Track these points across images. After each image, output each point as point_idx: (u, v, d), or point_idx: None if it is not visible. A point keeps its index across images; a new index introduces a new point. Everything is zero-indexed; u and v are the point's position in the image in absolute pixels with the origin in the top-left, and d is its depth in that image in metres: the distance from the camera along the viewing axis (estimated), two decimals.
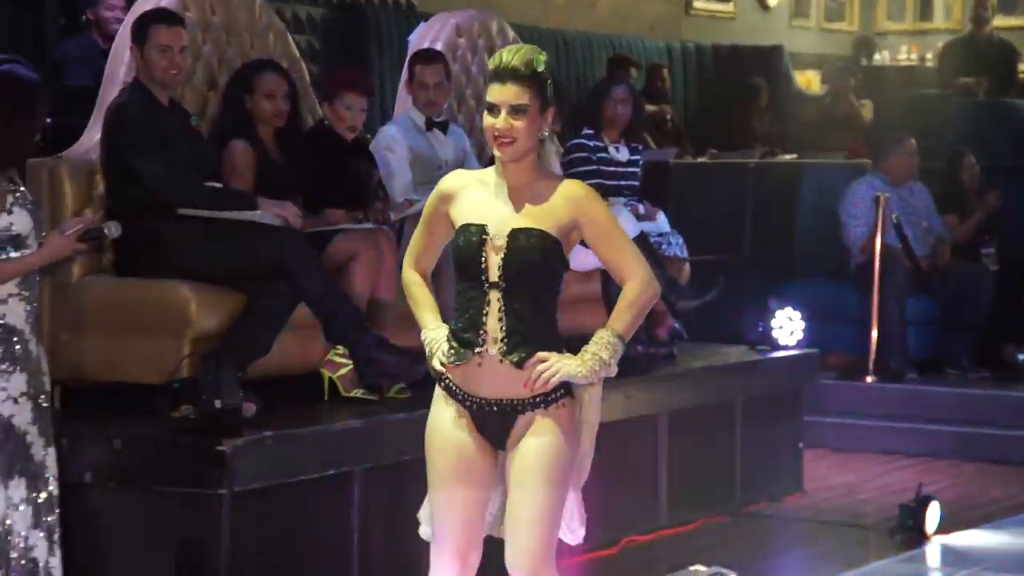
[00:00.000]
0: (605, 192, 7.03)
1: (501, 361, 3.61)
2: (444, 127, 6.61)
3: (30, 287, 4.48)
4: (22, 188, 4.51)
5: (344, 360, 5.52)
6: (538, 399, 3.64)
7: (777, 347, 7.48)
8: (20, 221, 4.43)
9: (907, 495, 6.66)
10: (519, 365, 3.61)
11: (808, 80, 14.28)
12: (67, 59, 7.23)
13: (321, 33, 10.32)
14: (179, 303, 5.28)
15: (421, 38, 7.19)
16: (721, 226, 9.47)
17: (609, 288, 6.76)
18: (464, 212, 3.69)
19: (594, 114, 7.13)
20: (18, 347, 4.42)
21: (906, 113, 11.04)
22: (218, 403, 4.82)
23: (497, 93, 3.61)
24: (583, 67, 11.89)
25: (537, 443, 3.63)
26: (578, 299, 6.71)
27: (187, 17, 5.85)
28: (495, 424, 3.67)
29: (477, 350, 3.62)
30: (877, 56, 15.21)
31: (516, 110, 3.59)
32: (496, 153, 3.65)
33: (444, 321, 3.73)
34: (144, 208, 5.35)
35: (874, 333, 8.57)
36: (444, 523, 3.68)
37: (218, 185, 5.57)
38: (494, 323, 3.61)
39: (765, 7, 14.68)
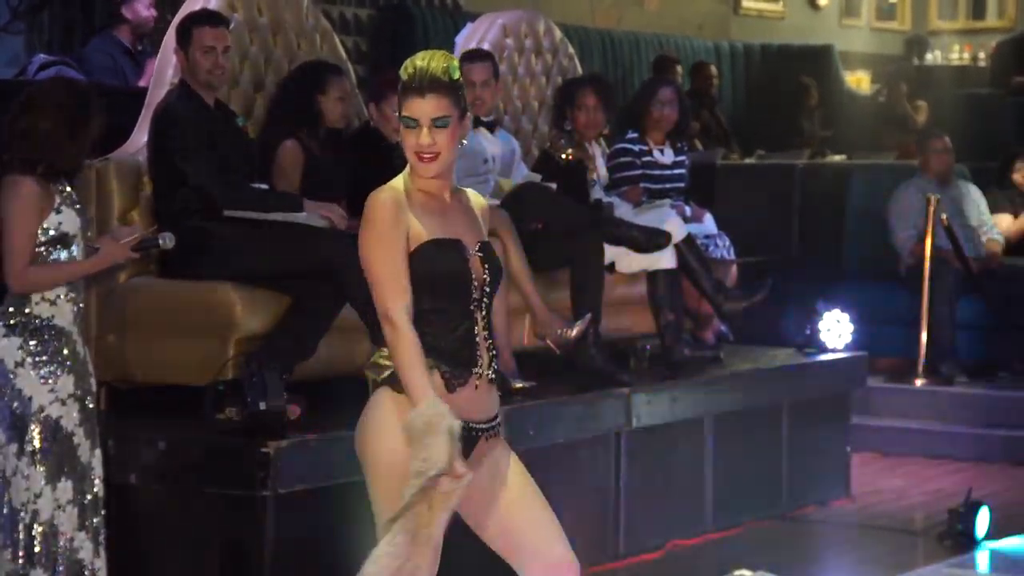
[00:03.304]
0: (652, 195, 7.00)
1: (491, 381, 3.46)
2: (491, 127, 6.61)
3: (77, 288, 4.51)
4: (69, 188, 4.55)
5: (389, 362, 5.50)
6: (499, 418, 3.51)
7: (825, 350, 7.42)
8: (68, 220, 4.46)
9: (957, 500, 6.60)
10: (497, 382, 3.50)
11: (858, 80, 14.20)
12: (91, 59, 7.28)
13: (367, 34, 10.35)
14: (224, 305, 5.30)
15: (468, 39, 7.19)
16: (769, 228, 9.42)
17: (656, 290, 6.73)
18: (425, 227, 3.41)
19: (639, 116, 7.10)
20: (66, 348, 4.45)
21: (958, 113, 10.95)
22: (262, 405, 4.84)
23: (416, 108, 3.37)
24: (630, 67, 11.85)
25: (512, 456, 3.53)
26: (624, 301, 6.69)
27: (234, 18, 5.88)
28: (469, 449, 3.44)
29: (475, 370, 3.43)
30: (929, 56, 15.10)
31: (438, 123, 3.38)
32: (418, 170, 3.42)
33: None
34: (191, 210, 5.37)
35: (923, 335, 8.49)
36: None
37: (264, 187, 5.58)
38: (483, 342, 3.45)
39: (815, 6, 14.61)
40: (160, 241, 4.65)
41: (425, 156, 3.40)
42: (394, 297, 3.39)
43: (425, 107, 3.37)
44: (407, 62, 3.43)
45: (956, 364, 8.62)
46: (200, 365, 5.24)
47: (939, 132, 9.11)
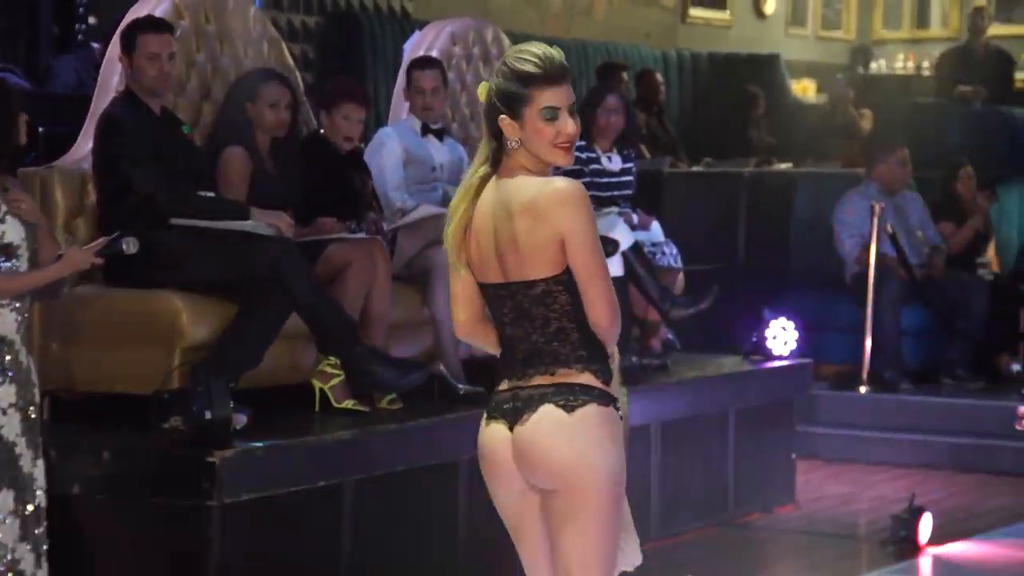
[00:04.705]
0: (599, 203, 7.02)
1: None
2: (440, 134, 6.62)
3: (21, 297, 4.47)
4: None
5: (336, 371, 5.51)
6: None
7: (771, 357, 7.47)
8: (12, 230, 4.42)
9: (900, 506, 6.66)
10: None
11: (804, 88, 14.28)
12: (59, 72, 7.24)
13: (315, 41, 10.32)
14: (170, 313, 5.27)
15: (416, 46, 7.18)
16: (715, 236, 9.46)
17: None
18: None
19: (586, 124, 7.11)
20: (8, 357, 4.42)
21: (903, 122, 11.03)
22: (208, 414, 4.81)
23: (558, 96, 3.30)
24: (578, 76, 11.88)
25: None
26: None
27: (181, 25, 5.85)
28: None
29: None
30: (874, 65, 15.22)
31: (572, 109, 3.35)
32: (558, 160, 3.33)
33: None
34: (136, 218, 5.34)
35: (868, 343, 8.56)
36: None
37: (211, 194, 5.56)
38: None
39: (761, 15, 14.69)
40: (124, 246, 4.63)
41: (567, 145, 3.33)
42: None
43: (567, 94, 3.33)
44: (527, 55, 3.32)
45: (900, 371, 8.69)
46: (145, 374, 5.21)
47: (898, 144, 9.13)
